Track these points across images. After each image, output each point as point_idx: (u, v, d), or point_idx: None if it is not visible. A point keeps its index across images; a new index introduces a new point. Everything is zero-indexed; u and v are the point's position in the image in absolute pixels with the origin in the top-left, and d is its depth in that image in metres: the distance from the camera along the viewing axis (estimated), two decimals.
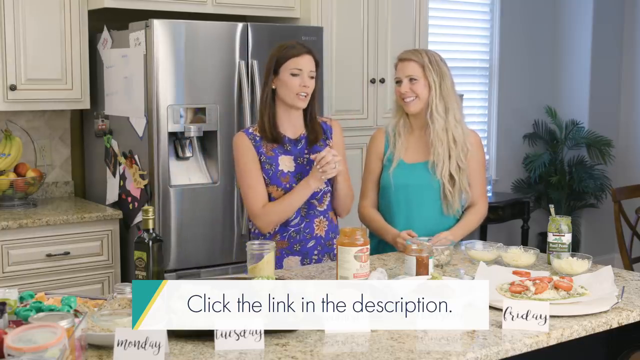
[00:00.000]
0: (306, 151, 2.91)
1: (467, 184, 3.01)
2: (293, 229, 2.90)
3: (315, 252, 2.94)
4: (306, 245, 2.92)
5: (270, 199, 2.87)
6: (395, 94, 3.03)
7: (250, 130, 2.91)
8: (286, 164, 2.88)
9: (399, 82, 2.99)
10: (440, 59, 3.00)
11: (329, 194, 2.95)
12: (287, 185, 2.86)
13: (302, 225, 2.91)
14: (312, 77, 2.84)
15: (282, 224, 2.88)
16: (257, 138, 2.88)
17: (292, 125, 2.92)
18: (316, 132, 2.93)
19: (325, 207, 2.95)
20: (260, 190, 2.86)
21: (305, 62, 2.82)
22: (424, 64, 2.95)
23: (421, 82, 2.95)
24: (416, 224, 2.97)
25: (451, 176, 2.97)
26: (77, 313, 1.91)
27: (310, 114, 2.93)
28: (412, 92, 2.95)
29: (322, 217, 2.95)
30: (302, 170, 2.89)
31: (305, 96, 2.83)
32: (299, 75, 2.81)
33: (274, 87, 2.86)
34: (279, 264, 2.85)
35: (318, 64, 2.89)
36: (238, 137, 2.91)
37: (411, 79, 2.95)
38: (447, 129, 2.96)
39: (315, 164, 2.77)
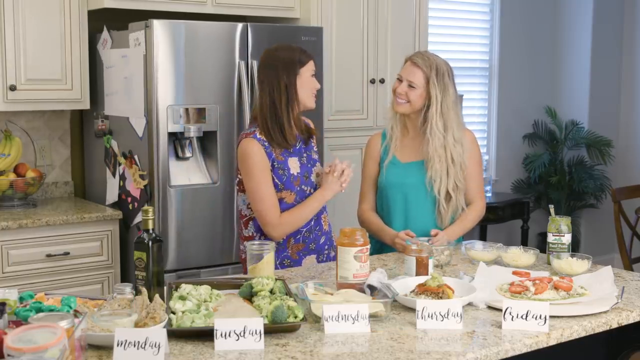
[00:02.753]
0: (304, 150, 2.94)
1: (463, 202, 3.02)
2: (305, 229, 2.92)
3: (326, 247, 2.98)
4: (319, 242, 2.96)
5: (283, 204, 2.86)
6: (392, 87, 3.04)
7: (258, 135, 2.84)
8: (294, 165, 2.89)
9: (399, 80, 3.00)
10: (448, 73, 2.97)
11: None
12: (298, 188, 2.87)
13: (312, 223, 2.93)
14: None
15: None
16: (266, 143, 2.83)
17: (294, 126, 2.91)
18: (310, 130, 2.99)
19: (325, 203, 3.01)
20: (275, 201, 2.83)
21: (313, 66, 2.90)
22: (430, 76, 2.93)
23: (419, 92, 2.95)
24: (414, 222, 2.99)
25: (447, 194, 2.98)
26: (76, 313, 1.91)
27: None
28: (406, 97, 2.96)
29: (325, 212, 3.01)
30: (306, 169, 2.91)
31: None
32: (314, 77, 2.89)
33: (292, 89, 2.83)
34: (298, 266, 2.89)
35: None
36: (250, 143, 2.82)
37: (410, 85, 2.95)
38: (445, 146, 2.95)
39: (330, 175, 2.80)
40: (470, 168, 3.04)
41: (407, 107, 2.98)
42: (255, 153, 2.81)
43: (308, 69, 2.86)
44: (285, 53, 2.87)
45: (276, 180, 2.84)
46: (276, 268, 2.82)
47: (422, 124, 2.99)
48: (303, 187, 2.89)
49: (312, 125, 3.05)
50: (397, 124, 3.07)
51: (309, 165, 2.92)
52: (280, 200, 2.85)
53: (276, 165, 2.84)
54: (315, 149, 3.02)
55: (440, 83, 2.93)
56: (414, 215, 3.01)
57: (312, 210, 2.86)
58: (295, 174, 2.87)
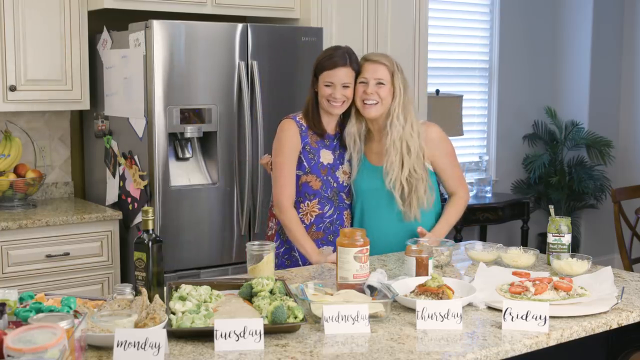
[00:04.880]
0: (339, 147, 3.05)
1: (424, 193, 2.95)
2: (328, 220, 3.03)
3: None
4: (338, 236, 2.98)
5: (309, 188, 2.98)
6: (356, 95, 2.95)
7: (297, 118, 3.01)
8: (326, 157, 3.02)
9: (363, 82, 2.94)
10: (402, 69, 2.99)
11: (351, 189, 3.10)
12: (325, 177, 3.00)
13: (335, 216, 3.03)
14: (346, 87, 2.93)
15: (318, 215, 3.00)
16: (304, 127, 2.99)
17: (331, 123, 3.04)
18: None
19: (350, 201, 3.09)
20: (291, 183, 2.97)
21: (339, 75, 2.91)
22: (394, 70, 2.94)
23: (387, 88, 2.93)
24: (386, 225, 2.99)
25: (402, 185, 2.93)
26: (76, 314, 1.91)
27: (347, 115, 3.04)
28: (377, 96, 2.92)
29: (348, 210, 3.09)
30: (335, 163, 3.03)
31: (341, 104, 2.94)
32: (331, 87, 2.92)
33: (316, 90, 2.97)
34: None
35: (357, 72, 2.96)
36: (286, 123, 3.00)
37: (379, 83, 2.92)
38: (403, 137, 2.92)
39: (329, 263, 2.83)
40: (444, 164, 3.01)
41: (379, 108, 2.94)
42: (289, 132, 2.98)
43: (323, 77, 2.93)
44: (321, 55, 3.01)
45: (305, 162, 2.98)
46: (292, 251, 2.99)
47: (385, 120, 2.96)
48: (329, 178, 3.01)
49: None
50: (364, 131, 3.03)
51: (338, 162, 3.04)
52: (306, 183, 2.99)
53: (307, 149, 2.99)
54: None
55: (402, 76, 2.96)
56: (385, 218, 3.00)
57: (299, 244, 2.92)
58: (325, 163, 3.01)
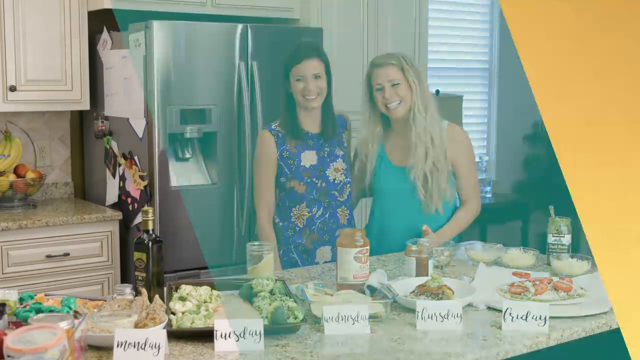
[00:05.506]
0: (326, 145, 3.03)
1: (446, 184, 2.96)
2: (319, 220, 3.01)
3: None
4: (334, 235, 3.00)
5: (294, 193, 2.97)
6: (376, 101, 2.97)
7: (273, 127, 3.02)
8: (309, 158, 3.00)
9: (379, 89, 2.95)
10: (412, 61, 3.00)
11: (348, 185, 3.06)
12: (308, 180, 2.97)
13: (327, 216, 3.01)
14: (317, 78, 2.94)
15: (308, 218, 3.00)
16: (280, 134, 2.99)
17: (313, 121, 3.03)
18: (331, 127, 3.05)
19: (345, 197, 3.07)
20: (267, 193, 3.01)
21: (306, 67, 2.93)
22: (403, 66, 2.94)
23: (403, 85, 2.93)
24: (406, 225, 2.99)
25: (425, 177, 2.94)
26: (76, 314, 1.91)
27: (326, 109, 3.04)
28: (397, 96, 2.93)
29: (343, 206, 3.06)
30: (323, 162, 3.01)
31: (316, 96, 2.95)
32: (302, 80, 2.93)
33: (290, 90, 2.98)
34: (312, 256, 3.00)
35: (326, 63, 2.99)
36: (261, 134, 3.06)
37: (393, 84, 2.93)
38: (427, 129, 2.94)
39: None
40: (463, 169, 3.02)
41: (404, 106, 2.95)
42: (263, 144, 3.01)
43: (292, 74, 2.95)
44: (287, 53, 3.00)
45: (285, 169, 2.97)
46: (290, 252, 2.99)
47: (407, 114, 2.97)
48: (314, 179, 2.98)
49: (348, 123, 3.12)
50: (382, 132, 3.04)
51: (328, 160, 3.02)
52: (292, 189, 2.98)
53: (285, 155, 2.97)
54: (345, 144, 3.09)
55: (412, 67, 2.96)
56: (406, 220, 3.00)
57: None
58: (308, 165, 2.98)
